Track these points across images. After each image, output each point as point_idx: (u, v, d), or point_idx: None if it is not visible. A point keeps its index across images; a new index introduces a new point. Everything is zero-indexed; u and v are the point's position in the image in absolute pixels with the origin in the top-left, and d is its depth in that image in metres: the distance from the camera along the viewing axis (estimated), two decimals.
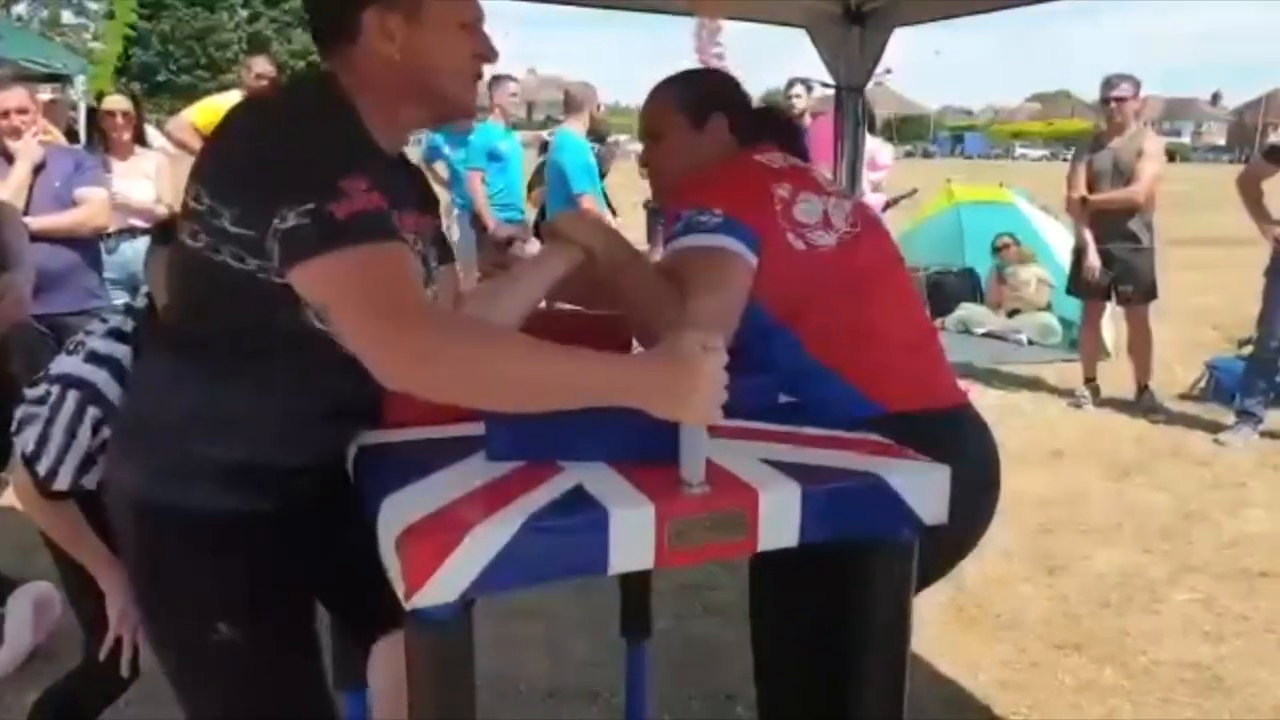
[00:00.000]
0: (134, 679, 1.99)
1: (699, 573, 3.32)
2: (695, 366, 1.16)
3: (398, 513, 1.11)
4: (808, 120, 6.49)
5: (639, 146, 1.98)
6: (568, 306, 1.90)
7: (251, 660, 1.39)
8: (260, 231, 1.19)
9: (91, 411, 1.82)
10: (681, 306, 1.54)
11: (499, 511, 1.11)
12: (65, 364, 1.87)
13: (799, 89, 6.50)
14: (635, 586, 2.21)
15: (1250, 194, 5.07)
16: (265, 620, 1.41)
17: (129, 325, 1.91)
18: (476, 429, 1.34)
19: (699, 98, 1.88)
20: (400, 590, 1.06)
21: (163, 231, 1.99)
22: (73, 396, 1.81)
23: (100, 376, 1.83)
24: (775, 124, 1.97)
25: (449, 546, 1.05)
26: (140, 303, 1.98)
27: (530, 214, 6.75)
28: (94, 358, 1.85)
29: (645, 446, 1.25)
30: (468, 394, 1.19)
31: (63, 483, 1.83)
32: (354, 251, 1.15)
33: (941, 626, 3.06)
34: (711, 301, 1.56)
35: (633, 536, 1.14)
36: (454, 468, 1.27)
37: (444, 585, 1.06)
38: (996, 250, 7.71)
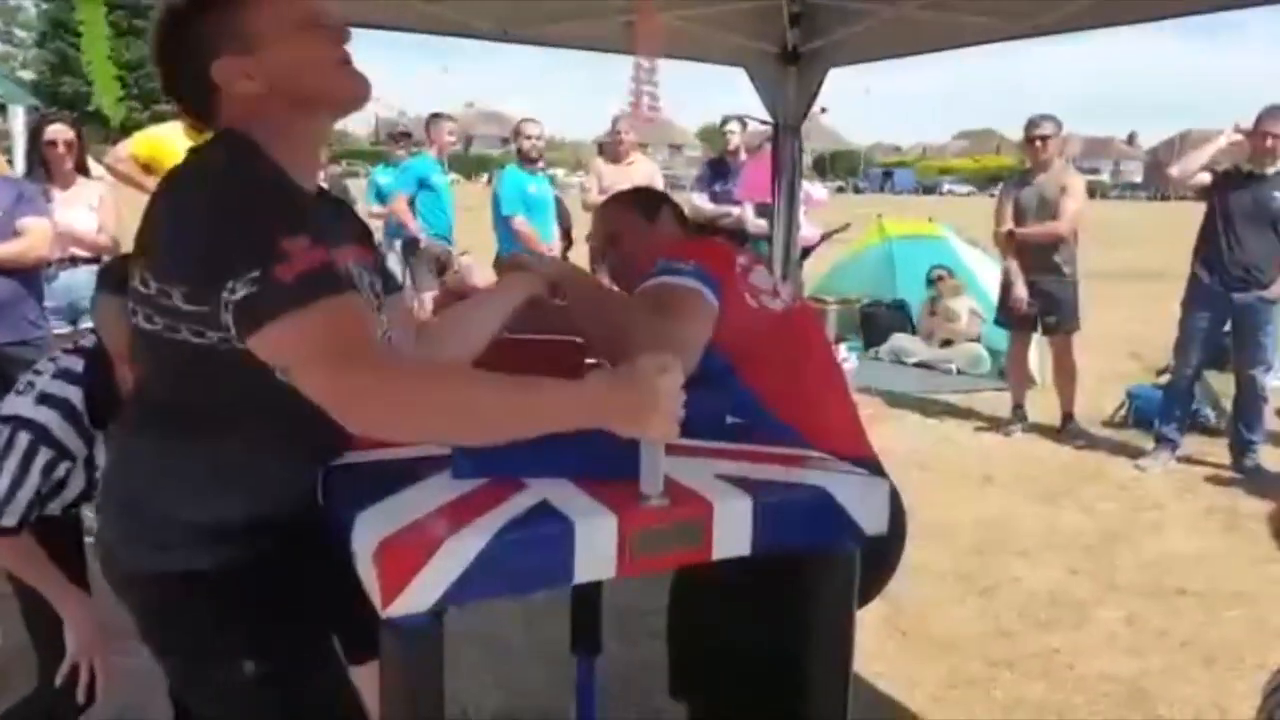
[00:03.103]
0: (90, 705, 1.98)
1: (642, 597, 3.37)
2: (655, 385, 1.24)
3: (372, 527, 1.17)
4: (743, 156, 6.69)
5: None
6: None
7: (287, 689, 1.41)
8: (213, 306, 1.21)
9: (43, 452, 1.83)
10: (651, 327, 1.63)
11: (470, 524, 1.17)
12: (15, 404, 1.87)
13: (734, 125, 6.71)
14: (586, 604, 2.26)
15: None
16: (289, 651, 1.42)
17: (79, 365, 1.92)
18: (440, 449, 1.39)
19: (647, 198, 2.16)
20: (376, 600, 1.11)
21: (109, 276, 2.00)
22: (23, 438, 1.82)
23: (51, 418, 1.84)
24: (713, 228, 2.30)
25: (423, 557, 1.11)
26: (88, 341, 1.99)
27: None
28: (45, 399, 1.86)
29: (605, 464, 1.32)
30: (436, 433, 1.25)
31: (10, 520, 1.83)
32: (305, 312, 1.17)
33: (878, 645, 3.15)
34: (684, 327, 1.68)
35: (596, 546, 1.20)
36: (422, 485, 1.32)
37: (418, 595, 1.11)
38: (931, 282, 7.91)
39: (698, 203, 6.62)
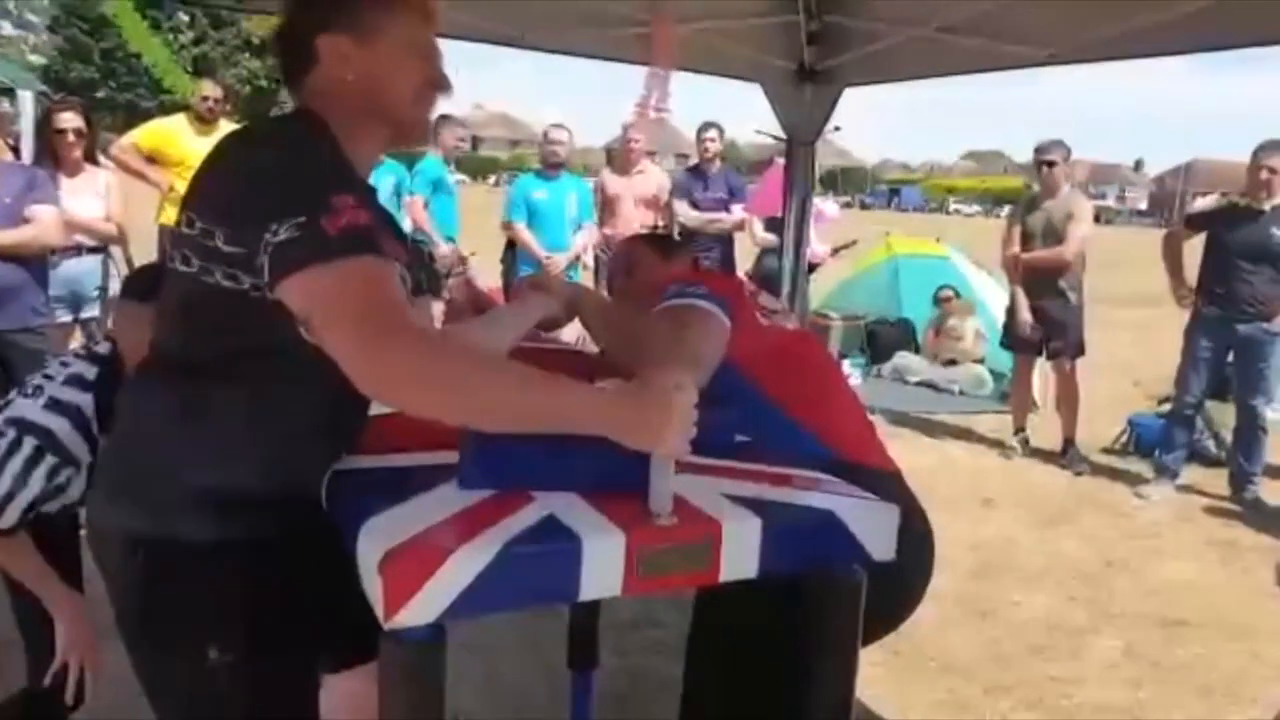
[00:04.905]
0: (78, 706, 1.96)
1: (640, 609, 3.36)
2: (668, 401, 1.23)
3: (378, 536, 1.15)
4: (718, 164, 6.68)
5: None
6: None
7: (242, 688, 1.38)
8: (252, 247, 1.22)
9: (48, 459, 1.80)
10: (666, 341, 1.63)
11: (477, 537, 1.16)
12: (23, 408, 1.85)
13: (712, 132, 6.69)
14: (584, 618, 2.25)
15: (1172, 257, 5.37)
16: (259, 648, 1.38)
17: (91, 372, 1.90)
18: (446, 457, 1.38)
19: (667, 243, 2.34)
20: (379, 611, 1.10)
21: (133, 284, 2.00)
22: (29, 443, 1.80)
23: (59, 425, 1.82)
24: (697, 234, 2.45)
25: (430, 569, 1.09)
26: (103, 347, 1.97)
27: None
28: (54, 405, 1.84)
29: (610, 477, 1.31)
30: (447, 410, 1.22)
31: (8, 522, 1.81)
32: (342, 264, 1.19)
33: (874, 668, 3.12)
34: (699, 342, 1.68)
35: (604, 565, 1.19)
36: (428, 494, 1.31)
37: (423, 607, 1.10)
38: (938, 302, 7.89)
39: (681, 211, 6.54)
